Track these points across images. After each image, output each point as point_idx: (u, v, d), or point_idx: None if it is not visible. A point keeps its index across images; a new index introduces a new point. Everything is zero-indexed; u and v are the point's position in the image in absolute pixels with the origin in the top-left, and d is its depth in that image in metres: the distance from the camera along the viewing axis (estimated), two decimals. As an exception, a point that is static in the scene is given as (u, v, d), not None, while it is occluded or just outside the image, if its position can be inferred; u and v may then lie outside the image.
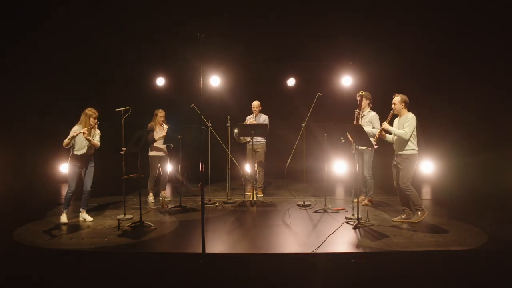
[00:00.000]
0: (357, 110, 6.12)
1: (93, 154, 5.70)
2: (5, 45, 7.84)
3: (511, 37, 7.69)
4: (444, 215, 5.87)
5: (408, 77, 8.56)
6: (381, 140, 5.54)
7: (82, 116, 5.54)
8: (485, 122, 8.53)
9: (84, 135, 5.40)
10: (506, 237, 4.87)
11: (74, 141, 5.46)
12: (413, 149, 5.31)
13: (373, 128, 6.21)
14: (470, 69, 8.40)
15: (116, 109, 5.72)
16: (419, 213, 5.39)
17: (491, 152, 8.36)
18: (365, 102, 6.39)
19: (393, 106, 5.41)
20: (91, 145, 5.55)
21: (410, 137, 5.24)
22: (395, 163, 5.48)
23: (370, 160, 6.42)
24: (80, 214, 5.73)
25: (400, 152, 5.35)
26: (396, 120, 5.53)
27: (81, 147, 5.51)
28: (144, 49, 8.78)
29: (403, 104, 5.38)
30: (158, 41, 8.62)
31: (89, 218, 5.69)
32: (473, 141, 8.55)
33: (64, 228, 5.35)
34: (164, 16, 8.10)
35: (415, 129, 5.30)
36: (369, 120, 6.32)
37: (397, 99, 5.40)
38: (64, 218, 5.53)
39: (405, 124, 5.28)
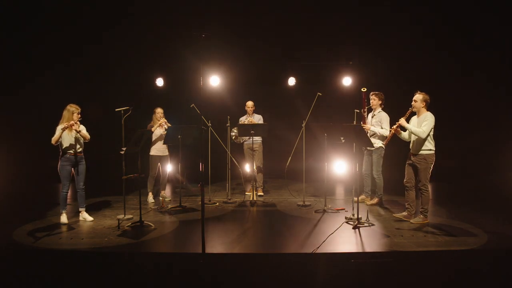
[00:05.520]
0: (363, 109, 6.09)
1: (83, 152, 5.64)
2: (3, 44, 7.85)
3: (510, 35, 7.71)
4: (444, 215, 5.87)
5: (407, 77, 8.55)
6: (393, 138, 5.45)
7: (65, 113, 5.48)
8: (485, 122, 8.53)
9: (73, 126, 5.35)
10: (506, 237, 4.87)
11: (62, 139, 5.41)
12: (430, 149, 5.23)
13: (382, 128, 6.20)
14: (470, 70, 8.39)
15: (116, 109, 5.71)
16: (422, 217, 5.38)
17: (492, 152, 8.36)
18: (377, 102, 6.37)
19: (413, 103, 5.30)
20: (80, 142, 5.52)
21: (427, 136, 5.16)
22: (411, 162, 5.39)
23: (380, 160, 6.34)
24: (80, 214, 5.73)
25: (419, 152, 5.25)
26: (413, 119, 5.42)
27: (70, 144, 5.44)
28: (144, 49, 8.78)
29: (424, 103, 5.27)
30: (158, 41, 8.62)
31: (89, 218, 5.69)
32: (474, 141, 8.56)
33: (64, 228, 5.35)
34: (164, 16, 8.09)
35: (432, 129, 5.21)
36: (379, 120, 6.28)
37: (418, 97, 5.28)
38: (64, 218, 5.53)
39: (424, 123, 5.17)
